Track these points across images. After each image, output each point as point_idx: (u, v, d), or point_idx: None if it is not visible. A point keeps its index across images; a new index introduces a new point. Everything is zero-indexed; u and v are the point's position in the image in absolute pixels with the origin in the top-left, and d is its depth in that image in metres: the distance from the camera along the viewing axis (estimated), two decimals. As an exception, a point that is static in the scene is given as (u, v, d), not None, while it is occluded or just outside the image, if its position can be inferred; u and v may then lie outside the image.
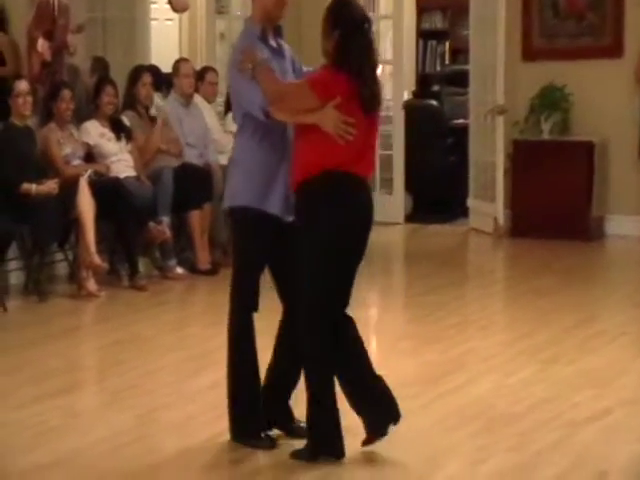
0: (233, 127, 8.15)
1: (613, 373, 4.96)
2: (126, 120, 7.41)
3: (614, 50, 8.60)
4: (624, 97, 8.51)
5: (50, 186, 6.58)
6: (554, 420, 4.28)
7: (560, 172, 8.47)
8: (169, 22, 11.08)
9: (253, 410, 3.94)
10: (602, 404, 4.45)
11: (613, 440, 4.09)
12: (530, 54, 8.94)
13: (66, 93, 7.03)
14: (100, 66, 8.51)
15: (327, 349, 3.77)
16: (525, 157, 8.69)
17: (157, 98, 7.80)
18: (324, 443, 3.79)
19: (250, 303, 3.96)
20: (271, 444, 3.94)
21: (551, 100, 8.62)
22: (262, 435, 3.95)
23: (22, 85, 6.75)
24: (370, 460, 3.87)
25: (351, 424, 3.87)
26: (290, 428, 4.02)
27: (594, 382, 4.80)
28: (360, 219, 3.78)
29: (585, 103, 8.60)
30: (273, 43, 3.92)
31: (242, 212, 3.89)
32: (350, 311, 3.91)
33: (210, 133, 7.93)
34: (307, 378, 3.82)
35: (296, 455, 3.83)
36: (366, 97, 3.69)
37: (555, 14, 8.88)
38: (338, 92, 3.65)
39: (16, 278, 6.88)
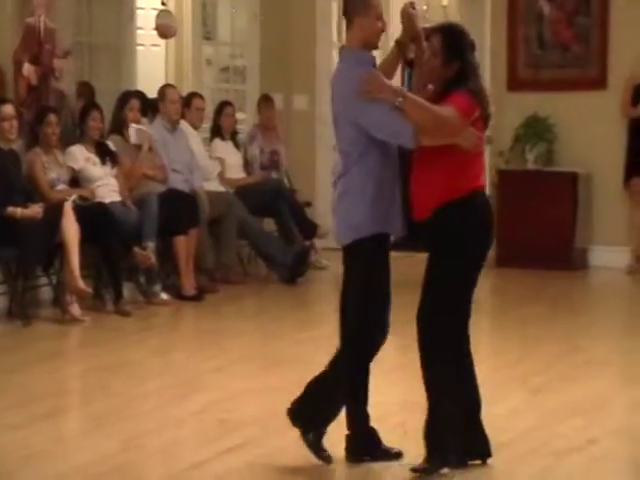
0: (219, 153, 8.37)
1: (598, 403, 4.97)
2: (112, 145, 7.41)
3: (598, 82, 8.69)
4: (608, 128, 8.58)
5: (35, 210, 6.56)
6: (539, 450, 4.27)
7: (545, 202, 8.52)
8: (155, 48, 11.10)
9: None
10: (587, 434, 4.45)
11: (597, 470, 4.09)
12: (515, 84, 9.01)
13: (52, 117, 7.02)
14: (86, 91, 8.52)
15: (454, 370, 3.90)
16: (510, 187, 8.73)
17: (133, 128, 7.72)
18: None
19: (379, 337, 3.91)
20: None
21: (536, 130, 8.68)
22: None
23: (8, 109, 6.74)
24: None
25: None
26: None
27: (579, 412, 4.80)
28: (492, 235, 3.94)
29: (569, 134, 8.67)
30: None
31: (370, 241, 3.82)
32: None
33: (196, 159, 7.94)
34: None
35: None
36: (486, 116, 3.84)
37: (540, 45, 8.96)
38: (473, 114, 3.75)
39: (0, 302, 6.84)
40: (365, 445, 3.97)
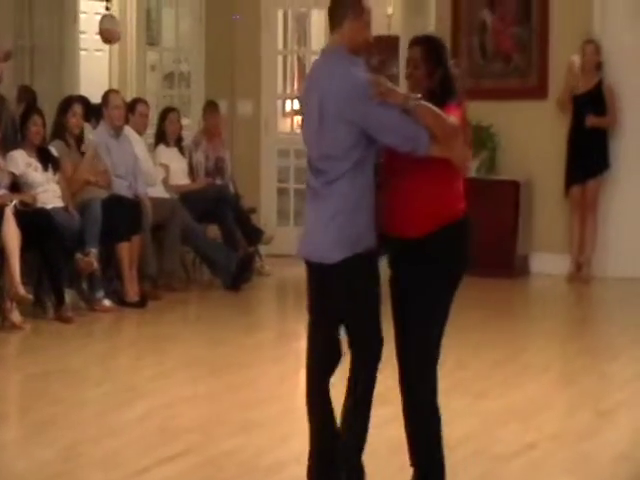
0: (163, 159, 8.33)
1: (538, 408, 5.04)
2: (54, 150, 7.34)
3: (539, 91, 8.80)
4: (549, 137, 8.70)
5: (-26, 215, 6.47)
6: (480, 454, 4.33)
7: (486, 210, 8.58)
8: (99, 52, 11.01)
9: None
10: (527, 439, 4.52)
11: (536, 474, 4.15)
12: (458, 94, 9.09)
13: (-8, 122, 6.94)
14: (27, 95, 8.42)
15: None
16: (452, 194, 8.79)
17: (87, 129, 7.75)
18: None
19: (380, 351, 3.72)
20: None
21: (478, 139, 8.77)
22: None
23: (-52, 112, 6.65)
24: None
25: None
26: None
27: (519, 417, 4.87)
28: None
29: (511, 142, 8.78)
30: None
31: (368, 255, 3.57)
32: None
33: (140, 165, 7.90)
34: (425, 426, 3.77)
35: None
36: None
37: (483, 55, 9.06)
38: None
39: (-62, 308, 6.73)
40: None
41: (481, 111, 8.81)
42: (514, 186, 8.68)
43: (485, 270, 8.47)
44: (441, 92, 3.62)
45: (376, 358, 3.69)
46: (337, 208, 3.54)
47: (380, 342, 3.68)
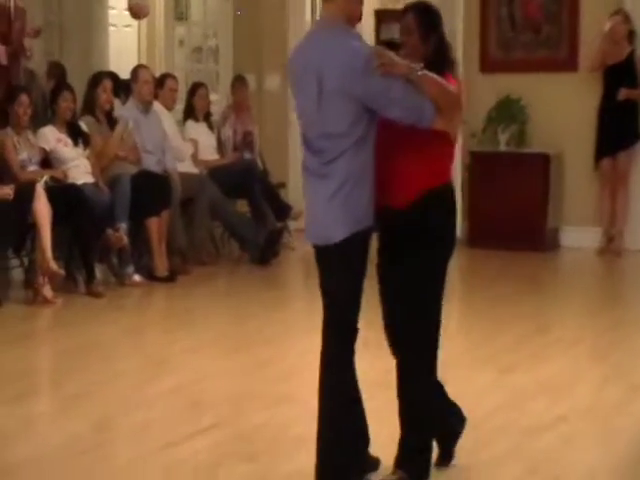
0: (192, 134, 8.34)
1: (568, 381, 5.02)
2: (84, 125, 7.37)
3: (569, 63, 8.72)
4: (579, 109, 8.62)
5: (6, 191, 6.52)
6: (509, 427, 4.32)
7: (516, 183, 8.57)
8: (128, 28, 11.03)
9: None
10: (557, 412, 4.51)
11: (567, 447, 4.13)
12: (487, 66, 9.03)
13: (24, 98, 6.97)
14: (57, 71, 8.46)
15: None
16: (482, 168, 8.77)
17: (116, 105, 7.78)
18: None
19: (355, 331, 3.55)
20: None
21: (508, 112, 8.71)
22: None
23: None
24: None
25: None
26: None
27: (549, 390, 4.85)
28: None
29: (541, 115, 8.71)
30: None
31: (365, 233, 3.45)
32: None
33: (168, 140, 7.91)
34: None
35: None
36: None
37: (512, 27, 8.98)
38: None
39: (-30, 284, 6.81)
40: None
41: (510, 83, 8.77)
42: (544, 159, 8.62)
43: (515, 243, 8.46)
44: (437, 60, 3.53)
45: (353, 339, 3.54)
46: (338, 186, 3.41)
47: (356, 330, 3.55)
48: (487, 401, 4.67)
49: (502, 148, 8.77)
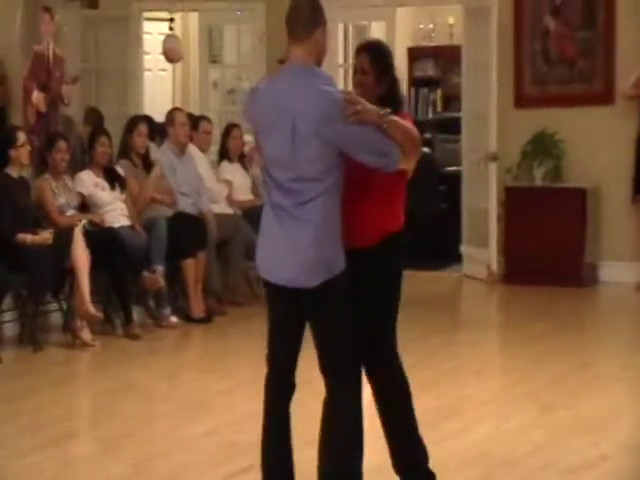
0: (226, 175, 8.38)
1: (609, 419, 4.96)
2: (120, 170, 7.45)
3: (605, 96, 8.69)
4: (616, 143, 8.57)
5: (45, 236, 6.59)
6: (551, 466, 4.26)
7: (553, 218, 8.52)
8: (162, 72, 11.19)
9: None
10: (598, 450, 4.45)
11: (610, 486, 4.08)
12: (522, 101, 9.03)
13: (62, 144, 7.07)
14: (94, 116, 8.59)
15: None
16: (518, 204, 8.73)
17: (152, 148, 7.86)
18: None
19: (358, 368, 3.70)
20: None
21: (543, 147, 8.68)
22: None
23: (22, 136, 6.79)
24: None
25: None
26: None
27: (590, 428, 4.79)
28: None
29: (577, 149, 8.67)
30: None
31: (342, 277, 3.52)
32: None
33: (203, 182, 7.97)
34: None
35: None
36: None
37: (546, 61, 8.97)
38: None
39: (11, 329, 6.86)
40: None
41: (545, 118, 8.75)
42: (581, 194, 8.57)
43: (553, 279, 8.39)
44: (390, 98, 3.62)
45: (355, 380, 3.65)
46: (315, 231, 3.43)
47: (358, 365, 3.65)
48: (528, 439, 4.62)
49: (538, 183, 8.73)
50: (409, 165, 3.59)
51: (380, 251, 3.66)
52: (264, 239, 3.58)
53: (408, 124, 3.54)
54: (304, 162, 3.42)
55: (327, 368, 3.61)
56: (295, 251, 3.45)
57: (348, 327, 3.57)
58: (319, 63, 3.53)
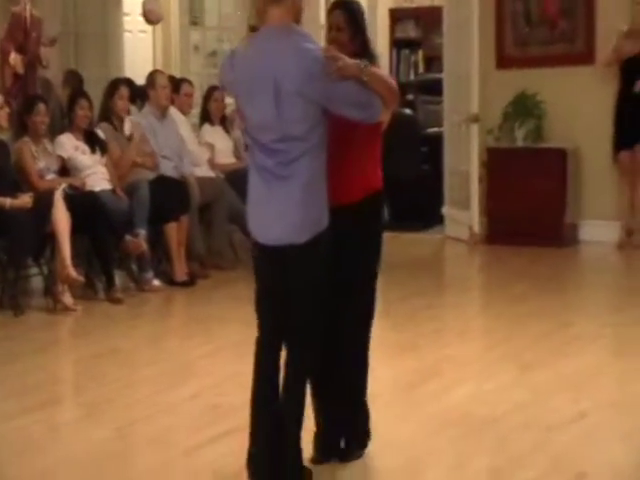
0: (208, 138, 8.34)
1: (589, 377, 5.00)
2: (101, 133, 7.41)
3: (586, 57, 8.68)
4: (596, 103, 8.58)
5: (25, 200, 6.56)
6: (531, 424, 4.30)
7: (534, 179, 8.53)
8: (143, 34, 11.08)
9: None
10: (579, 407, 4.49)
11: (590, 442, 4.11)
12: (503, 62, 9.01)
13: (41, 107, 7.01)
14: (73, 79, 8.51)
15: None
16: (499, 165, 8.74)
17: (133, 111, 7.81)
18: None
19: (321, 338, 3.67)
20: None
21: (524, 108, 8.68)
22: None
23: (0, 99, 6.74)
24: (351, 466, 3.88)
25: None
26: None
27: (571, 386, 4.84)
28: None
29: (558, 110, 8.67)
30: None
31: (326, 234, 3.55)
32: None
33: (185, 145, 7.93)
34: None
35: None
36: None
37: (528, 22, 8.95)
38: None
39: (-9, 293, 6.85)
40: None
41: (527, 79, 8.74)
42: (562, 154, 8.58)
43: (534, 239, 8.43)
44: (365, 55, 3.66)
45: (319, 340, 3.65)
46: (301, 188, 3.47)
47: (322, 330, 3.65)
48: (510, 398, 4.66)
49: (519, 144, 8.74)
50: (386, 116, 3.65)
51: (363, 209, 3.71)
52: (253, 202, 3.60)
53: (386, 75, 3.62)
54: (288, 122, 3.44)
55: (294, 330, 3.62)
56: (283, 210, 3.49)
57: (323, 289, 3.58)
58: (297, 21, 3.56)
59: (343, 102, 3.47)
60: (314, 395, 3.84)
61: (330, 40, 3.70)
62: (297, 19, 3.56)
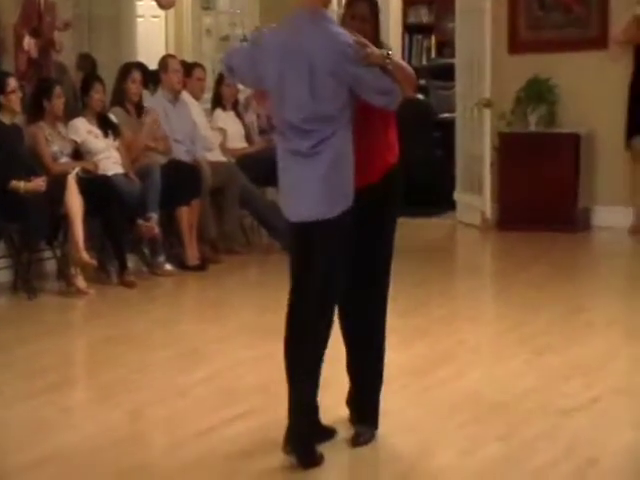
0: (220, 123, 8.35)
1: (601, 362, 5.00)
2: (114, 117, 7.41)
3: (599, 41, 8.65)
4: (609, 88, 8.55)
5: (38, 183, 6.58)
6: (543, 409, 4.31)
7: (547, 164, 8.52)
8: (155, 19, 11.06)
9: None
10: (591, 393, 4.49)
11: (602, 428, 4.12)
12: (516, 46, 8.98)
13: (58, 90, 7.02)
14: (87, 63, 8.50)
15: None
16: (511, 150, 8.72)
17: (145, 95, 7.81)
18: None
19: (334, 304, 3.81)
20: None
21: (537, 92, 8.65)
22: None
23: (13, 82, 6.74)
24: (362, 450, 3.89)
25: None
26: None
27: (583, 371, 4.83)
28: None
29: (571, 95, 8.64)
30: None
31: (349, 213, 3.69)
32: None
33: (197, 129, 7.94)
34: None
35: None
36: None
37: (541, 6, 8.91)
38: None
39: (4, 276, 6.88)
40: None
41: (540, 63, 8.71)
42: (574, 139, 8.56)
43: (546, 225, 8.42)
44: (378, 45, 3.77)
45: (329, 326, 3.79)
46: (329, 164, 3.63)
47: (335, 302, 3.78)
48: (521, 383, 4.66)
49: (532, 129, 8.71)
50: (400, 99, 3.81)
51: (382, 188, 3.83)
52: (286, 185, 3.76)
53: (406, 65, 3.79)
54: (321, 100, 3.63)
55: (310, 290, 3.72)
56: (310, 185, 3.65)
57: (335, 264, 3.69)
58: (325, 6, 3.77)
59: (369, 87, 3.67)
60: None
61: (355, 30, 3.79)
62: (325, 3, 3.77)
